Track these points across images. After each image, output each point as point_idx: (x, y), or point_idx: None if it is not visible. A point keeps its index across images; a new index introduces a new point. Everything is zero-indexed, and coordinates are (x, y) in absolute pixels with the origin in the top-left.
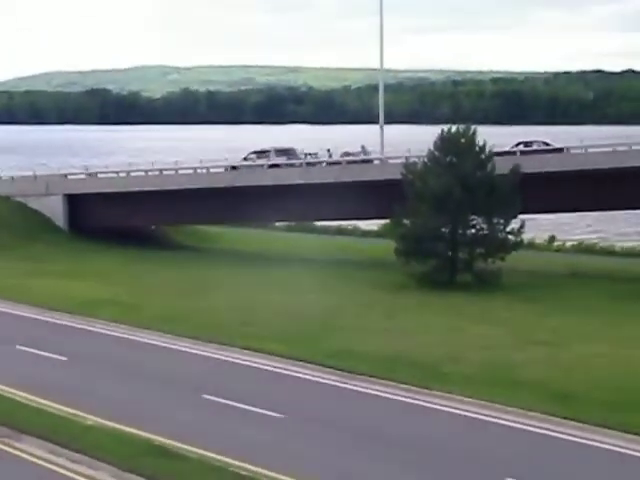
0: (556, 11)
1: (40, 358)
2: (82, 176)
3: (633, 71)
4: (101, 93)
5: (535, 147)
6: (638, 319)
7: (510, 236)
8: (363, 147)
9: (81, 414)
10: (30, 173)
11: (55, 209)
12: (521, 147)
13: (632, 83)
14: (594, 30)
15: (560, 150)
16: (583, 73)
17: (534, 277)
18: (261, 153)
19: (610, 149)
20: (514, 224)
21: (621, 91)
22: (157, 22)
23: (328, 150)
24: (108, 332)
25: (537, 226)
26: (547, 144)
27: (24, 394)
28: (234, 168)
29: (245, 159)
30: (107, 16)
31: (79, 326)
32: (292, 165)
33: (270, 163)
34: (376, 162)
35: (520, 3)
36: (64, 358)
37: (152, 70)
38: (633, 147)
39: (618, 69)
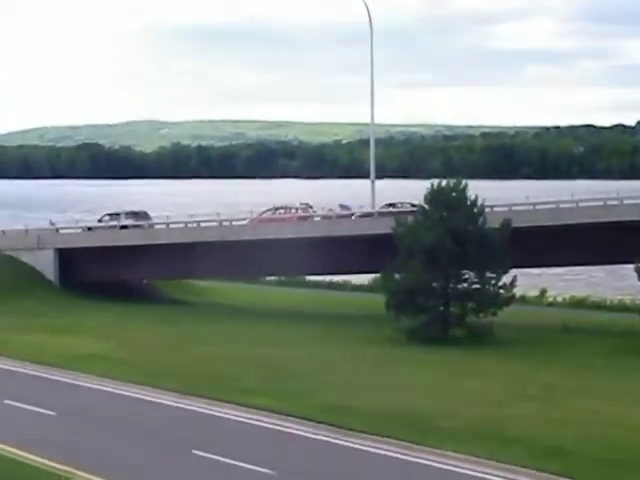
0: (545, 66)
1: (29, 413)
2: (73, 230)
3: (623, 126)
4: (93, 147)
5: (402, 208)
6: (630, 375)
7: (502, 290)
8: (342, 206)
9: (69, 470)
10: (22, 227)
11: (46, 263)
12: (390, 209)
13: (621, 137)
14: (583, 85)
15: None
16: (573, 128)
17: (526, 332)
18: (114, 215)
19: (601, 203)
20: (506, 278)
21: (611, 145)
22: (147, 77)
23: (307, 204)
24: (98, 387)
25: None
26: (414, 205)
27: (11, 449)
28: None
29: (100, 221)
30: (99, 71)
31: (69, 381)
32: (283, 219)
33: (120, 225)
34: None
35: (510, 58)
36: (53, 413)
37: (143, 125)
38: (625, 202)
39: (607, 124)
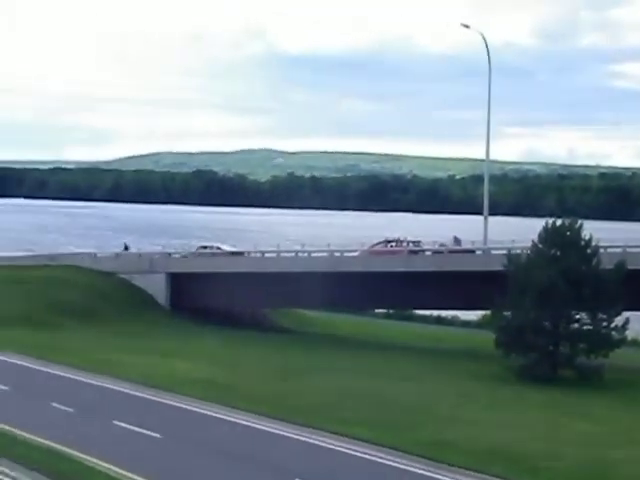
0: None
1: (135, 434)
2: (185, 255)
3: None
4: (207, 174)
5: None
6: None
7: (614, 332)
8: (455, 238)
9: None
10: (134, 250)
11: (158, 287)
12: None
13: None
14: None
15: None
16: None
17: (637, 375)
18: None
19: None
20: (618, 320)
21: None
22: (263, 106)
23: (411, 239)
24: (202, 411)
25: None
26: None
27: (117, 469)
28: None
29: None
30: (214, 99)
31: (175, 404)
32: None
33: None
34: (478, 252)
35: (634, 98)
36: (158, 435)
37: (258, 154)
38: None
39: None
